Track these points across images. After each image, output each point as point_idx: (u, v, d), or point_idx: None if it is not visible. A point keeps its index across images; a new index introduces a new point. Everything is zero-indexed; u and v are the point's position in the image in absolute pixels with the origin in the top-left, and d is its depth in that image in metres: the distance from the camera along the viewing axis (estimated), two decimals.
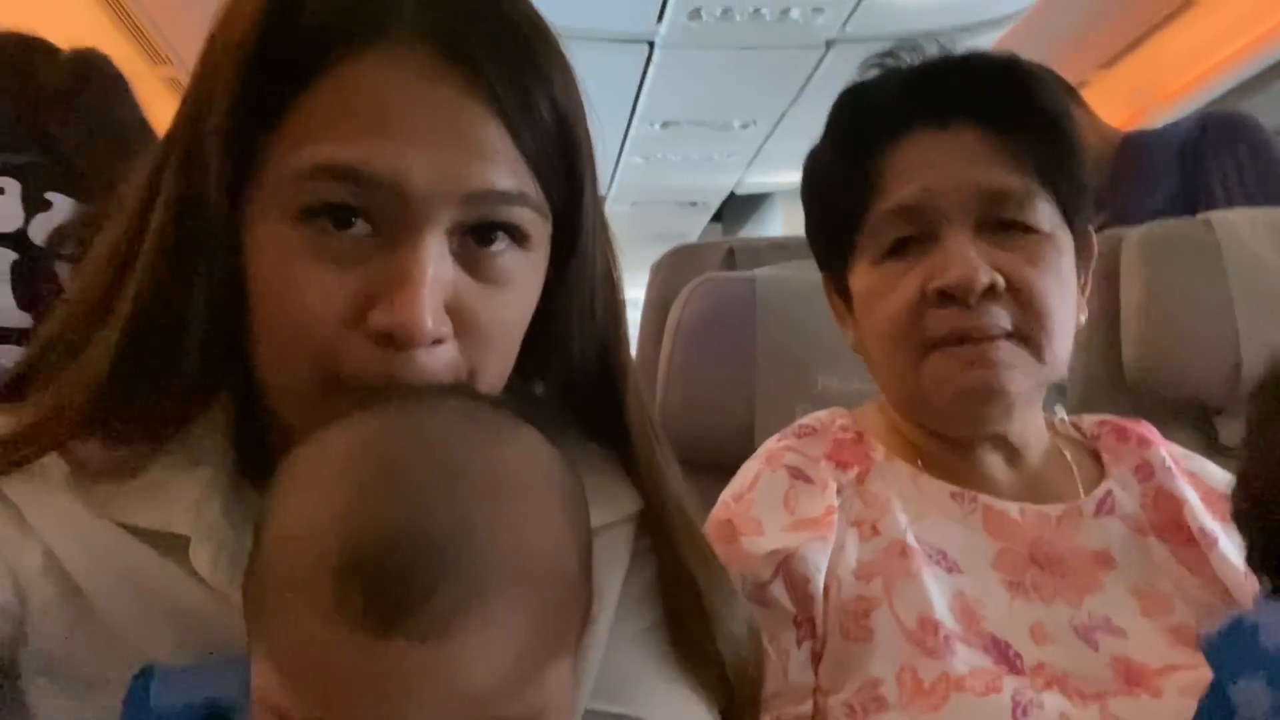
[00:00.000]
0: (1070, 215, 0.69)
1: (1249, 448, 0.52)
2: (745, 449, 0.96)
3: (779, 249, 1.09)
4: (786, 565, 0.65)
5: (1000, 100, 0.67)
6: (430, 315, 0.44)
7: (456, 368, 0.46)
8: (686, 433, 0.98)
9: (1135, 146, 1.45)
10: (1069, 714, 0.58)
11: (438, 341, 0.45)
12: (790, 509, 0.69)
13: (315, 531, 0.38)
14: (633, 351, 1.10)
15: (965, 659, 0.61)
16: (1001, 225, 0.66)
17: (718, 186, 4.40)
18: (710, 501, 1.01)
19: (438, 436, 0.41)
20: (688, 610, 0.53)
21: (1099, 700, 0.59)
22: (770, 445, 0.75)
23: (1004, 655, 0.62)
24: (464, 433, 0.41)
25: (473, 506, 0.38)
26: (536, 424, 0.44)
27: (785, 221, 4.21)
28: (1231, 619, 0.49)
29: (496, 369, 0.49)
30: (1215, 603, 0.65)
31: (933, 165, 0.66)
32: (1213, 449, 1.06)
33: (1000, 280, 0.64)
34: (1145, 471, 0.72)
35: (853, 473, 0.71)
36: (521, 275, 0.48)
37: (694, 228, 4.85)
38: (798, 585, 0.65)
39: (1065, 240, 0.68)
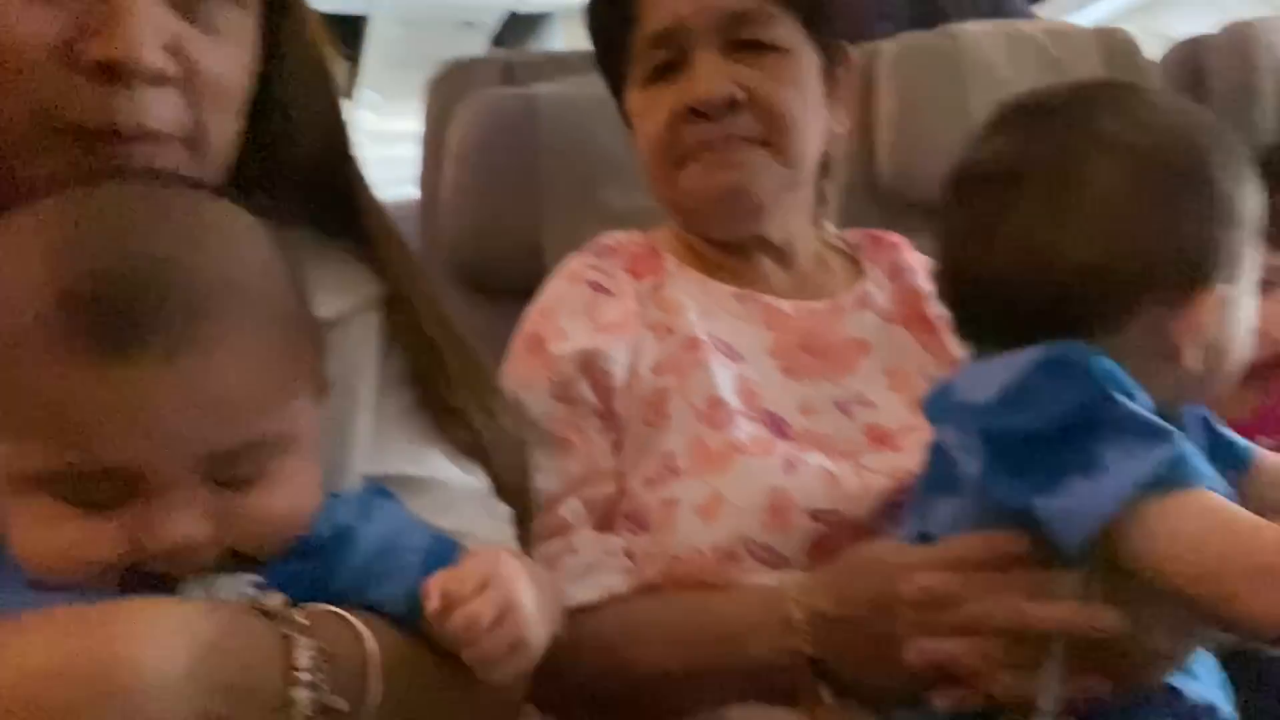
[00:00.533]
0: (814, 32, 0.74)
1: (938, 232, 0.60)
2: (536, 271, 0.98)
3: (560, 64, 1.06)
4: (590, 364, 0.72)
5: None
6: (147, 46, 0.44)
7: (181, 118, 0.47)
8: (476, 259, 0.97)
9: None
10: (828, 467, 0.68)
11: (161, 83, 0.45)
12: (593, 317, 0.75)
13: (33, 279, 0.40)
14: (415, 182, 1.06)
15: (745, 430, 0.70)
16: (746, 45, 0.72)
17: (495, 4, 4.17)
18: (509, 326, 1.04)
19: (143, 194, 0.44)
20: (443, 388, 0.58)
21: (852, 457, 0.70)
22: (571, 263, 0.80)
23: (777, 426, 0.72)
24: (169, 194, 0.44)
25: (180, 240, 0.42)
26: (264, 219, 0.47)
27: (567, 42, 4.08)
28: (939, 380, 0.58)
29: (223, 128, 0.49)
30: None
31: None
32: None
33: (741, 94, 0.71)
34: (895, 272, 0.83)
35: (649, 282, 0.78)
36: (239, 29, 0.50)
37: (471, 51, 4.60)
38: (600, 382, 0.72)
39: (809, 55, 0.75)
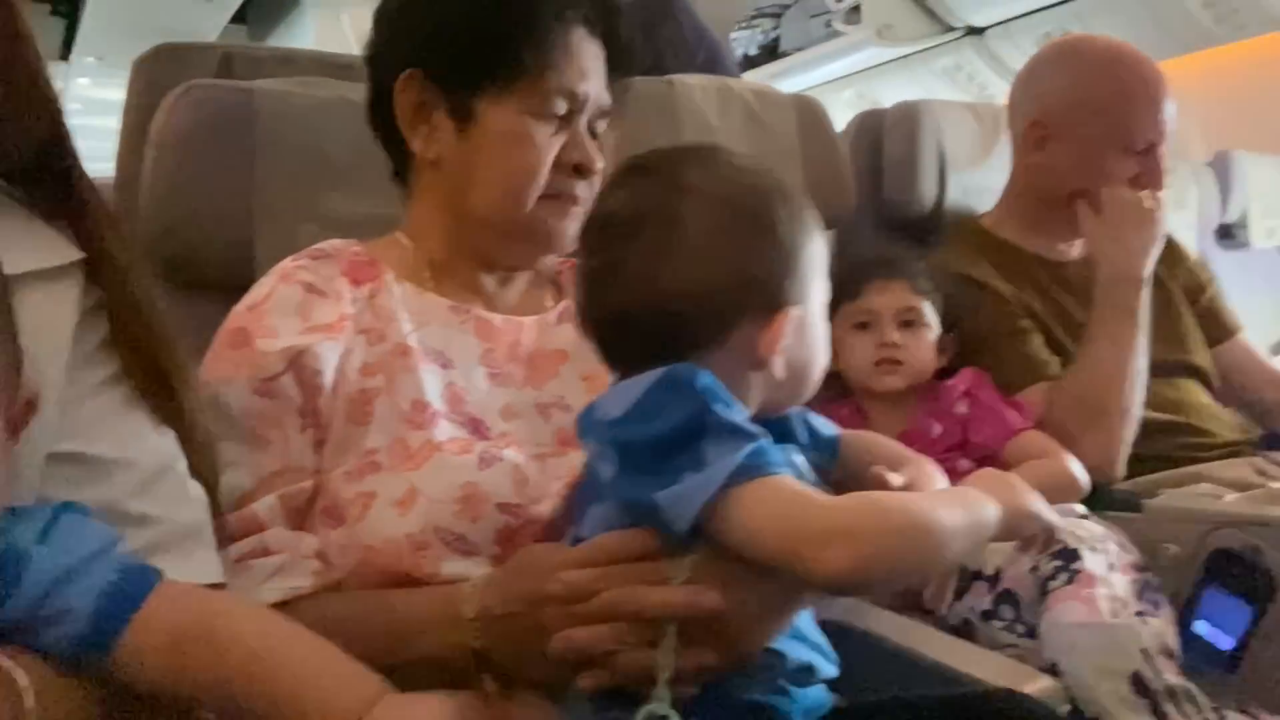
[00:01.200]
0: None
1: (576, 276, 0.69)
2: (247, 270, 0.95)
3: (285, 62, 1.03)
4: (298, 362, 0.73)
5: (615, 32, 0.84)
6: None
7: None
8: (181, 253, 0.93)
9: None
10: (519, 464, 0.73)
11: None
12: (305, 316, 0.76)
13: None
14: (112, 161, 1.00)
15: (446, 431, 0.74)
16: (593, 126, 0.84)
17: None
18: (212, 325, 1.00)
19: None
20: (150, 352, 0.57)
21: (541, 459, 0.75)
22: (285, 265, 0.80)
23: (478, 428, 0.77)
24: None
25: None
26: None
27: (319, 35, 3.91)
28: (588, 403, 0.66)
29: None
30: None
31: (590, 67, 0.82)
32: None
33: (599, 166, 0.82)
34: None
35: (366, 289, 0.80)
36: None
37: (209, 28, 4.27)
38: (307, 379, 0.73)
39: None
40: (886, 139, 1.53)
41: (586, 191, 0.82)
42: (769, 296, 0.64)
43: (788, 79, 4.00)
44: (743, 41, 3.87)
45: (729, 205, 0.64)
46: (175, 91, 0.94)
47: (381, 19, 0.84)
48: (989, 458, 1.18)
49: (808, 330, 0.67)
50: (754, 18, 3.85)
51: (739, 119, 1.30)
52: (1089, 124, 1.32)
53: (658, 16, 1.53)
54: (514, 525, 0.70)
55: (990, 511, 0.63)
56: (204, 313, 0.95)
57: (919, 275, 1.28)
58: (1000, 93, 3.96)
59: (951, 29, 3.65)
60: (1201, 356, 1.43)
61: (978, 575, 1.11)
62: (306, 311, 0.76)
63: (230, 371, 0.73)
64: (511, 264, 0.85)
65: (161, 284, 0.94)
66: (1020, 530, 0.69)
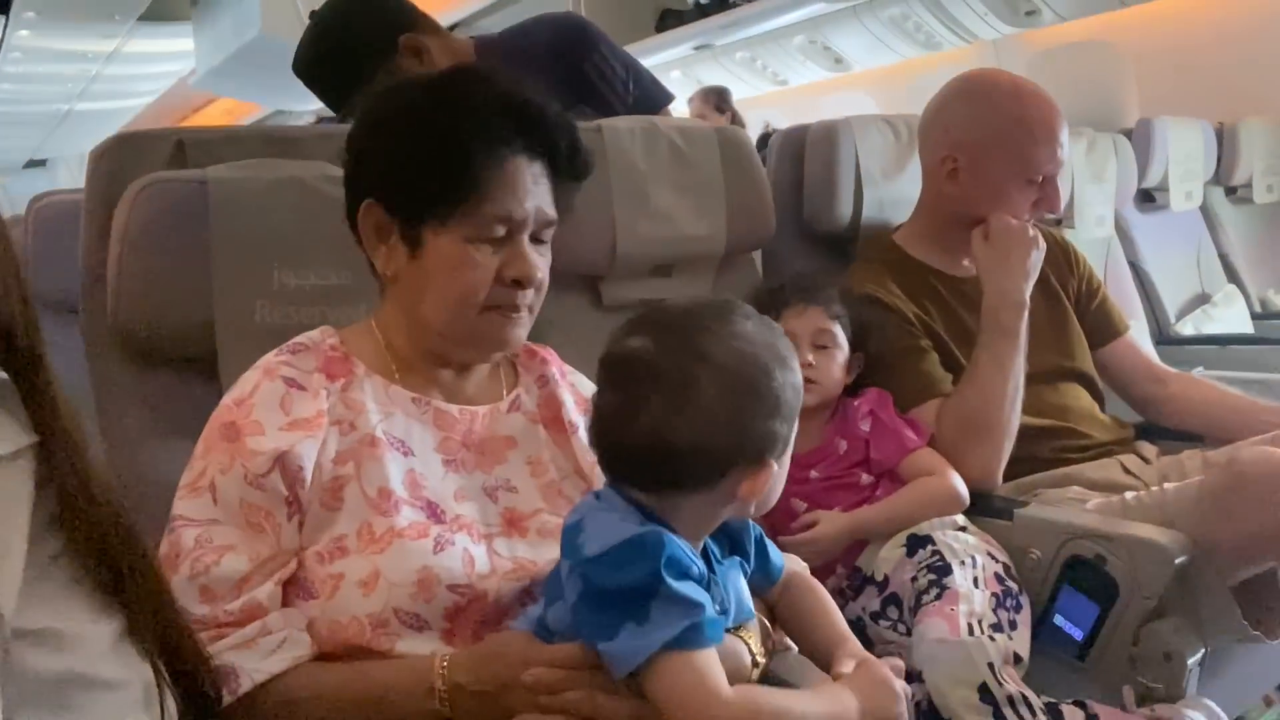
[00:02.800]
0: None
1: (593, 402, 0.81)
2: (207, 344, 1.05)
3: (233, 142, 1.11)
4: (283, 460, 0.83)
5: (556, 149, 0.92)
6: None
7: None
8: (148, 334, 1.03)
9: (495, 52, 1.63)
10: (469, 548, 0.85)
11: None
12: (286, 411, 0.86)
13: None
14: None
15: (407, 516, 0.85)
16: (538, 237, 0.92)
17: None
18: (180, 393, 1.10)
19: None
20: (94, 544, 0.61)
21: (488, 539, 0.88)
22: (268, 360, 0.90)
23: (434, 512, 0.88)
24: None
25: None
26: None
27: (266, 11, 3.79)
28: (575, 513, 0.79)
29: None
30: (576, 468, 0.96)
31: (527, 190, 0.89)
32: (597, 307, 1.41)
33: (541, 276, 0.92)
34: (542, 381, 1.01)
35: (339, 383, 0.90)
36: None
37: None
38: (290, 474, 0.84)
39: None
40: (807, 158, 1.63)
41: (531, 298, 0.92)
42: (759, 453, 0.77)
43: (738, 30, 4.01)
44: None
45: (738, 377, 0.76)
46: (134, 187, 1.02)
47: (348, 151, 0.93)
48: (887, 473, 1.33)
49: (780, 476, 0.81)
50: None
51: (665, 157, 1.40)
52: (995, 158, 1.44)
53: (581, 50, 1.60)
54: (461, 604, 0.83)
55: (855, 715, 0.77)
56: (165, 384, 1.07)
57: (833, 300, 1.40)
58: (948, 43, 4.01)
59: None
60: (1085, 362, 1.58)
61: (869, 580, 1.28)
62: (288, 406, 0.86)
63: (226, 462, 0.83)
64: (464, 362, 0.96)
65: (123, 358, 1.05)
66: None
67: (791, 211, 1.62)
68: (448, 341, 0.93)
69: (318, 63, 1.58)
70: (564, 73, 1.56)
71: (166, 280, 1.02)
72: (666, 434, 0.75)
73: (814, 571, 0.96)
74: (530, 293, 0.92)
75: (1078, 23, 3.54)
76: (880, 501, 1.31)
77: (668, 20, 3.99)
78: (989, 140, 1.44)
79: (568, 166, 0.94)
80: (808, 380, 1.36)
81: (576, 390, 1.03)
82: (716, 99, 3.97)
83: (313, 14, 1.61)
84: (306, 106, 5.23)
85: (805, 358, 1.35)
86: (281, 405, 0.86)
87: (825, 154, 1.61)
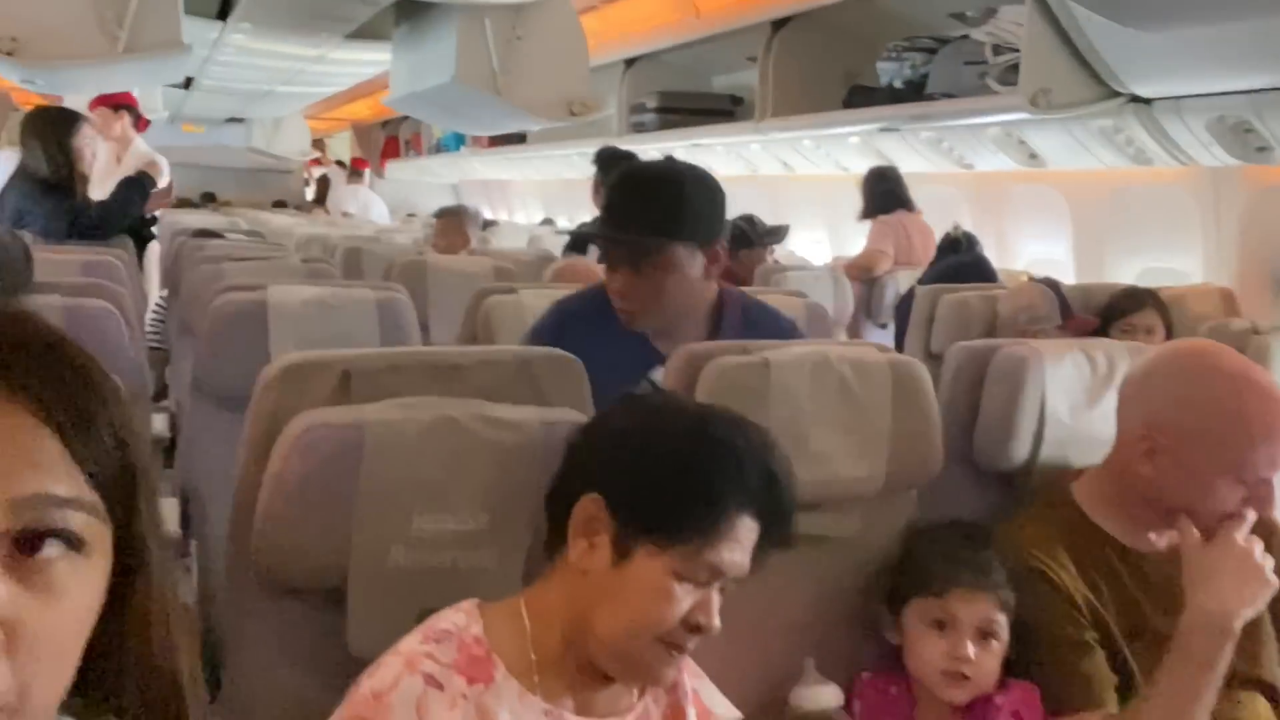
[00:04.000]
0: None
1: None
2: (338, 582, 1.06)
3: (398, 372, 1.11)
4: None
5: (780, 524, 0.97)
6: None
7: (4, 686, 0.46)
8: (280, 562, 1.04)
9: None
10: None
11: None
12: (421, 714, 0.88)
13: None
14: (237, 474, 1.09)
15: None
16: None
17: None
18: (313, 623, 1.11)
19: None
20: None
21: None
22: (411, 647, 0.91)
23: None
24: None
25: None
26: None
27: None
28: None
29: (50, 687, 0.48)
30: None
31: (744, 548, 0.93)
32: None
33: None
34: (670, 692, 1.00)
35: (477, 687, 0.91)
36: (78, 583, 0.49)
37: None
38: None
39: None
40: (987, 388, 1.50)
41: (695, 644, 0.93)
42: None
43: (930, 123, 3.81)
44: (888, 72, 3.70)
45: None
46: (295, 427, 1.02)
47: (591, 436, 0.96)
48: None
49: None
50: (904, 50, 3.65)
51: (833, 394, 1.31)
52: (1202, 451, 1.27)
53: None
54: None
55: None
56: (293, 614, 1.07)
57: (1002, 585, 1.27)
58: (1159, 160, 3.70)
59: (1115, 95, 3.41)
60: (1272, 670, 1.39)
61: None
62: (424, 711, 0.88)
63: None
64: (609, 678, 0.95)
65: (259, 585, 1.07)
66: None
67: (959, 441, 1.50)
68: (607, 656, 0.93)
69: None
70: None
71: (312, 524, 1.03)
72: None
73: None
74: (699, 638, 0.92)
75: None
76: None
77: (856, 97, 3.84)
78: (1198, 430, 1.28)
79: (776, 540, 0.96)
80: (961, 675, 1.25)
81: (702, 701, 1.01)
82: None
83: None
84: (485, 131, 5.37)
85: (965, 650, 1.24)
86: (417, 710, 0.87)
87: (1009, 388, 1.48)
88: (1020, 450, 1.48)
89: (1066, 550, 1.35)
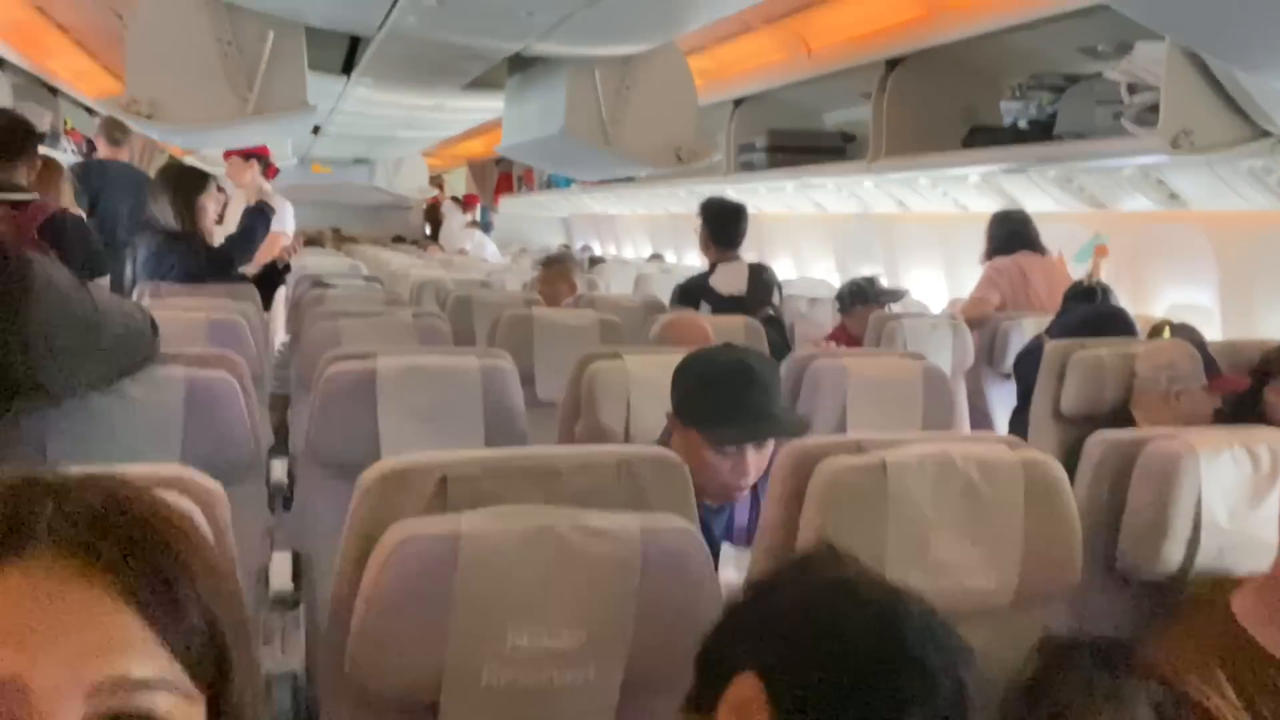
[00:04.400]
0: None
1: None
2: (430, 699, 1.02)
3: (496, 476, 1.07)
4: None
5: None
6: None
7: None
8: (373, 674, 1.01)
9: None
10: None
11: None
12: None
13: None
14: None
15: None
16: None
17: None
18: None
19: None
20: None
21: None
22: None
23: None
24: None
25: None
26: None
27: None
28: None
29: None
30: None
31: None
32: None
33: None
34: None
35: None
36: None
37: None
38: None
39: None
40: (1133, 487, 1.36)
41: None
42: None
43: (1058, 165, 3.61)
44: (1012, 111, 3.52)
45: None
46: (392, 536, 1.00)
47: (761, 603, 0.86)
48: None
49: None
50: (1030, 88, 3.47)
51: (957, 498, 1.21)
52: None
53: None
54: None
55: None
56: None
57: (1149, 710, 1.14)
58: None
59: (1265, 135, 3.16)
60: None
61: None
62: None
63: None
64: None
65: (354, 697, 1.05)
66: None
67: (1100, 546, 1.37)
68: None
69: None
70: None
71: (406, 640, 1.00)
72: None
73: None
74: None
75: None
76: None
77: (977, 136, 3.68)
78: None
79: None
80: None
81: None
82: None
83: None
84: (594, 177, 5.41)
85: None
86: None
87: (1159, 487, 1.34)
88: (1172, 557, 1.34)
89: (1226, 672, 1.21)
